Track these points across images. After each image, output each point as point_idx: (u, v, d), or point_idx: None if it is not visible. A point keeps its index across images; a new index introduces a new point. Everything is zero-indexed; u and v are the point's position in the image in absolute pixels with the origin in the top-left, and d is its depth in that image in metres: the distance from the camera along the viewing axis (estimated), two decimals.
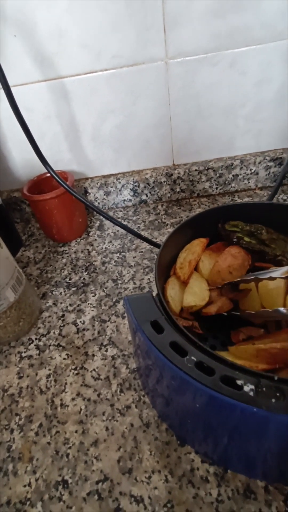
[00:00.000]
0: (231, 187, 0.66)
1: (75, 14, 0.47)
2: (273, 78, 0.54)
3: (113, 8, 0.47)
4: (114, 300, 0.48)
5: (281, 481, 0.28)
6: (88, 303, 0.48)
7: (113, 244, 0.59)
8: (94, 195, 0.66)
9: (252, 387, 0.21)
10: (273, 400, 0.20)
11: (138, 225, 0.62)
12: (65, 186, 0.44)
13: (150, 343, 0.24)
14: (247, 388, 0.21)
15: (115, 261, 0.55)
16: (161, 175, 0.63)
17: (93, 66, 0.52)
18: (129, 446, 0.33)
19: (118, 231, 0.62)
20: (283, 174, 0.51)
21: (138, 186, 0.64)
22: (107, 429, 0.34)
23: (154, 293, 0.31)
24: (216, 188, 0.66)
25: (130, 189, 0.65)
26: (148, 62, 0.52)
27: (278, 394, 0.20)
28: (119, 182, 0.64)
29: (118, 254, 0.56)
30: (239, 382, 0.21)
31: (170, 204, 0.67)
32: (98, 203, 0.67)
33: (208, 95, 0.56)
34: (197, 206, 0.65)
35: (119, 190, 0.65)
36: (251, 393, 0.20)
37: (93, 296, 0.49)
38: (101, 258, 0.56)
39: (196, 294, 0.36)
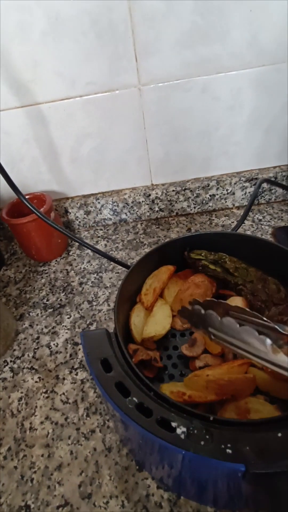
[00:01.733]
0: (209, 206, 0.67)
1: (48, 45, 0.49)
2: (245, 103, 0.56)
3: (85, 40, 0.48)
4: (88, 322, 0.50)
5: (229, 507, 0.30)
6: (63, 325, 0.50)
7: (91, 264, 0.60)
8: (75, 214, 0.67)
9: (184, 429, 0.22)
10: (202, 443, 0.22)
11: (117, 245, 0.64)
12: (38, 214, 0.46)
13: (97, 381, 0.26)
14: (179, 430, 0.22)
15: (92, 281, 0.57)
16: (139, 195, 0.65)
17: (68, 93, 0.54)
18: (91, 471, 0.34)
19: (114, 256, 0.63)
20: (252, 201, 0.53)
21: (117, 206, 0.66)
22: (71, 453, 0.36)
23: (112, 329, 0.33)
24: (194, 207, 0.68)
25: (109, 208, 0.66)
26: (121, 89, 0.53)
27: (207, 437, 0.22)
28: (99, 202, 0.65)
29: (95, 275, 0.58)
30: (173, 424, 0.23)
31: (149, 223, 0.68)
32: (79, 222, 0.69)
33: (182, 119, 0.57)
34: (175, 225, 0.66)
35: (99, 210, 0.67)
36: (182, 436, 0.22)
37: (68, 318, 0.51)
38: (79, 279, 0.58)
39: (157, 324, 0.37)
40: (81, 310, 0.52)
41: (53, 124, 0.57)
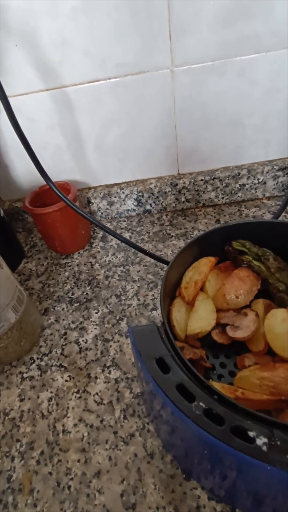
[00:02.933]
0: (238, 196, 0.64)
1: (78, 22, 0.46)
2: (282, 88, 0.52)
3: (118, 16, 0.45)
4: (117, 317, 0.47)
5: None
6: (91, 321, 0.47)
7: (117, 257, 0.58)
8: (97, 205, 0.64)
9: (265, 440, 0.19)
10: None
11: (142, 237, 0.61)
12: (67, 201, 0.43)
13: (156, 385, 0.23)
14: (260, 441, 0.19)
15: (118, 275, 0.54)
16: (166, 184, 0.62)
17: (97, 75, 0.50)
18: (133, 479, 0.32)
19: (121, 242, 0.60)
20: None
21: (142, 196, 0.63)
22: (110, 458, 0.33)
23: (159, 323, 0.30)
24: (222, 198, 0.64)
25: (134, 199, 0.63)
26: (153, 71, 0.50)
27: None
28: (123, 192, 0.62)
29: (121, 268, 0.55)
30: (251, 434, 0.20)
31: (175, 214, 0.65)
32: (102, 213, 0.66)
33: (215, 104, 0.54)
34: (203, 216, 0.63)
35: (123, 200, 0.64)
36: (264, 448, 0.19)
37: (96, 312, 0.48)
38: (104, 272, 0.55)
39: (202, 319, 0.34)
40: (109, 304, 0.49)
41: (79, 109, 0.54)
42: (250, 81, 0.52)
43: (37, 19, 0.45)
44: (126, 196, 0.63)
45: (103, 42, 0.47)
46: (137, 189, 0.62)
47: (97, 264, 0.57)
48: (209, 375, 0.33)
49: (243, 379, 0.30)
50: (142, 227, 0.63)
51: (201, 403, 0.21)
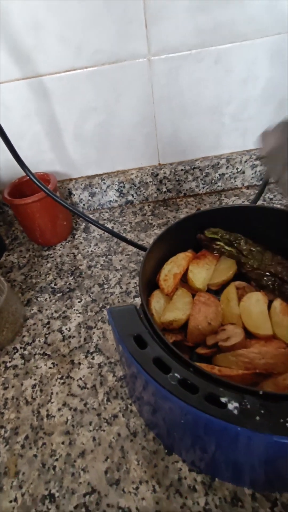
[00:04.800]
0: (218, 186, 0.65)
1: (51, 6, 0.45)
2: (259, 76, 0.54)
3: (93, 2, 0.45)
4: (100, 305, 0.47)
5: (268, 489, 0.29)
6: (74, 309, 0.47)
7: (99, 247, 0.58)
8: (79, 196, 0.64)
9: (237, 404, 0.20)
10: (258, 418, 0.20)
11: (124, 227, 0.61)
12: (46, 190, 0.43)
13: (132, 359, 0.23)
14: (231, 406, 0.20)
15: (101, 264, 0.54)
16: (147, 175, 0.62)
17: (73, 63, 0.50)
18: (116, 457, 0.32)
19: (104, 233, 0.61)
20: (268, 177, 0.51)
21: (124, 187, 0.63)
22: (94, 439, 0.34)
23: (138, 305, 0.31)
24: (203, 188, 0.65)
25: (115, 189, 0.64)
26: (130, 59, 0.50)
27: (262, 412, 0.20)
28: (104, 183, 0.62)
29: (104, 258, 0.56)
30: (223, 399, 0.21)
31: (156, 204, 0.66)
32: (84, 204, 0.66)
33: (193, 93, 0.55)
34: (184, 206, 0.64)
35: (104, 191, 0.64)
36: (235, 411, 0.20)
37: (79, 301, 0.49)
38: (87, 262, 0.55)
39: (177, 309, 0.35)
40: (92, 293, 0.49)
41: (56, 98, 0.53)
42: (226, 70, 0.53)
43: (8, 0, 0.44)
44: (108, 187, 0.63)
45: (78, 26, 0.47)
46: (118, 179, 0.62)
47: (79, 254, 0.57)
48: (193, 358, 0.34)
49: (221, 357, 0.31)
50: (124, 218, 0.64)
51: (176, 374, 0.22)
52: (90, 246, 0.58)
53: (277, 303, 0.35)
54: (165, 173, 0.62)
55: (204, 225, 0.42)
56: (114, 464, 0.32)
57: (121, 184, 0.63)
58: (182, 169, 0.62)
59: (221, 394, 0.21)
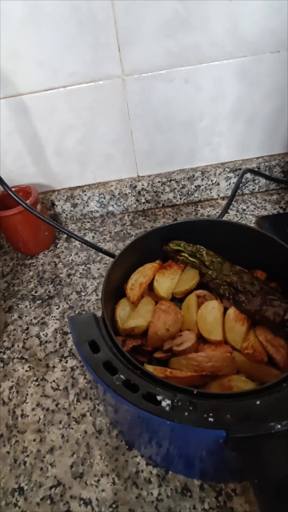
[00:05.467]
0: (195, 197, 0.69)
1: (28, 33, 0.48)
2: (227, 93, 0.57)
3: (66, 28, 0.48)
4: (76, 312, 0.50)
5: (214, 479, 0.32)
6: (52, 316, 0.50)
7: (79, 256, 0.61)
8: (62, 207, 0.67)
9: (169, 402, 0.23)
10: (186, 414, 0.23)
11: (104, 236, 0.65)
12: (24, 205, 0.46)
13: (85, 362, 0.27)
14: (164, 403, 0.23)
15: (80, 273, 0.57)
16: (126, 186, 0.65)
17: (51, 84, 0.53)
18: (82, 452, 0.35)
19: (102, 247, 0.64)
20: (235, 190, 0.54)
21: (104, 198, 0.67)
22: (62, 436, 0.37)
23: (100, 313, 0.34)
24: (180, 198, 0.69)
25: (96, 200, 0.67)
26: (105, 79, 0.54)
27: (191, 408, 0.23)
28: (85, 194, 0.66)
29: (83, 266, 0.59)
30: (158, 397, 0.24)
31: (136, 214, 0.69)
32: (66, 214, 0.69)
33: (165, 109, 0.58)
34: (162, 216, 0.67)
35: (86, 202, 0.67)
36: (167, 408, 0.23)
37: (57, 308, 0.52)
38: (67, 270, 0.58)
39: (139, 317, 0.38)
40: (69, 300, 0.53)
41: (36, 116, 0.57)
42: (196, 88, 0.56)
43: None
44: (89, 198, 0.66)
45: (54, 52, 0.50)
46: (99, 191, 0.66)
47: (60, 263, 0.60)
48: (152, 361, 0.37)
49: (174, 361, 0.34)
50: (104, 227, 0.67)
51: (121, 376, 0.25)
52: (71, 255, 0.62)
53: (231, 311, 0.38)
54: (143, 185, 0.65)
55: (172, 237, 0.46)
56: (80, 459, 0.35)
57: (102, 196, 0.66)
58: (159, 181, 0.65)
59: (157, 393, 0.24)
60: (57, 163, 0.63)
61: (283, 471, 0.19)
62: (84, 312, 0.50)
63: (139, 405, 0.23)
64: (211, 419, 0.22)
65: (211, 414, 0.22)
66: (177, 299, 0.43)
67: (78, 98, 0.55)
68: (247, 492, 0.31)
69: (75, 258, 0.61)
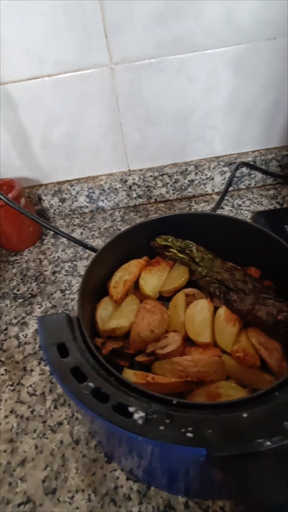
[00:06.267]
0: (188, 192, 0.66)
1: (14, 20, 0.46)
2: (221, 86, 0.54)
3: (52, 14, 0.46)
4: (59, 311, 0.47)
5: (201, 496, 0.29)
6: (33, 316, 0.47)
7: (66, 253, 0.58)
8: (49, 202, 0.64)
9: (142, 414, 0.20)
10: (161, 428, 0.20)
11: (93, 232, 0.62)
12: (4, 198, 0.43)
13: (51, 367, 0.24)
14: (137, 415, 0.20)
15: (65, 270, 0.55)
16: (116, 181, 0.63)
17: (37, 72, 0.51)
18: (56, 465, 0.32)
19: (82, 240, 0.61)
20: (228, 184, 0.51)
21: (94, 193, 0.64)
22: (36, 447, 0.34)
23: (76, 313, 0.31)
24: (173, 193, 0.66)
25: (85, 195, 0.64)
26: (92, 68, 0.51)
27: (167, 421, 0.20)
28: (73, 189, 0.63)
29: (69, 263, 0.56)
30: (131, 409, 0.21)
31: (127, 210, 0.66)
32: (54, 210, 0.66)
33: (157, 101, 0.55)
34: (154, 211, 0.65)
35: (74, 197, 0.64)
36: (140, 421, 0.20)
37: (39, 307, 0.49)
38: (52, 268, 0.55)
39: (122, 317, 0.35)
40: (53, 299, 0.50)
41: (22, 107, 0.54)
42: (189, 79, 0.53)
43: None
44: (77, 192, 0.64)
45: (40, 40, 0.48)
46: (88, 185, 0.63)
47: (46, 260, 0.57)
48: (135, 364, 0.34)
49: (157, 365, 0.31)
50: (94, 223, 0.64)
51: (90, 383, 0.22)
52: (58, 251, 0.59)
53: (222, 311, 0.35)
54: (134, 179, 0.62)
55: (160, 232, 0.43)
56: (53, 472, 0.32)
57: (91, 190, 0.63)
58: (151, 175, 0.62)
59: (130, 404, 0.21)
60: (44, 156, 0.60)
61: (270, 499, 0.16)
62: (68, 312, 0.47)
63: (107, 418, 0.20)
64: (190, 435, 0.19)
65: (190, 429, 0.19)
66: (165, 298, 0.40)
67: (66, 88, 0.53)
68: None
69: (61, 255, 0.58)
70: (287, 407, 0.20)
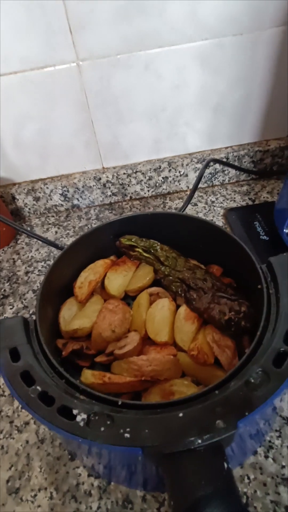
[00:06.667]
0: (163, 189, 0.66)
1: None
2: (190, 82, 0.54)
3: (15, 14, 0.45)
4: (31, 312, 0.48)
5: (157, 489, 0.30)
6: (4, 316, 0.48)
7: (40, 252, 0.58)
8: (23, 201, 0.64)
9: (85, 416, 0.21)
10: (102, 429, 0.21)
11: (68, 231, 0.62)
12: None
13: (1, 371, 0.24)
14: (80, 418, 0.21)
15: (38, 270, 0.55)
16: (90, 179, 0.62)
17: (2, 69, 0.50)
18: (21, 464, 0.33)
19: (46, 238, 0.61)
20: (198, 180, 0.52)
21: (68, 191, 0.64)
22: (2, 447, 0.34)
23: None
24: (148, 191, 0.66)
25: (59, 194, 0.64)
26: (59, 64, 0.50)
27: (108, 422, 0.21)
28: (47, 187, 0.63)
29: (43, 263, 0.56)
30: (74, 411, 0.21)
31: (102, 208, 0.66)
32: (29, 209, 0.66)
33: (127, 99, 0.55)
34: (128, 209, 0.65)
35: (48, 195, 0.64)
36: (82, 423, 0.21)
37: (10, 308, 0.49)
38: (25, 268, 0.55)
39: (85, 317, 0.35)
40: (25, 300, 0.50)
41: None
42: (157, 76, 0.53)
43: None
44: (51, 191, 0.63)
45: (3, 37, 0.47)
46: (61, 184, 0.63)
47: (19, 260, 0.57)
48: (95, 367, 0.35)
49: (116, 365, 0.32)
50: (69, 222, 0.64)
51: (38, 387, 0.23)
52: (31, 251, 0.59)
53: (182, 309, 0.36)
54: (107, 177, 0.62)
55: (126, 232, 0.43)
56: (18, 472, 0.33)
57: (65, 188, 0.63)
58: (124, 173, 0.62)
59: (73, 406, 0.22)
60: (16, 155, 0.60)
61: (195, 492, 0.17)
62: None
63: (50, 421, 0.21)
64: (127, 435, 0.20)
65: (128, 430, 0.20)
66: (132, 298, 0.41)
67: (34, 86, 0.52)
68: None
69: (35, 254, 0.58)
70: (221, 405, 0.20)
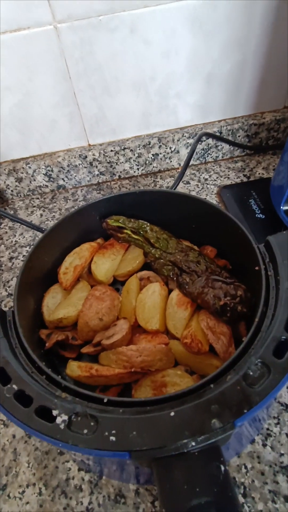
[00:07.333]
0: (153, 167, 0.62)
1: None
2: (181, 48, 0.50)
3: None
4: None
5: (150, 482, 0.28)
6: None
7: (24, 237, 0.55)
8: (5, 182, 0.60)
9: (65, 418, 0.19)
10: (85, 431, 0.19)
11: (54, 214, 0.59)
12: None
13: None
14: (60, 419, 0.19)
15: (23, 255, 0.52)
16: (75, 157, 0.58)
17: None
18: (8, 460, 0.31)
19: (31, 221, 0.57)
20: (189, 156, 0.48)
21: (52, 171, 0.60)
22: None
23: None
24: (138, 169, 0.62)
25: (43, 174, 0.60)
26: (34, 27, 0.45)
27: (92, 424, 0.19)
28: (29, 167, 0.59)
29: (27, 248, 0.53)
30: (54, 412, 0.19)
31: (90, 188, 0.63)
32: (12, 190, 0.62)
33: (112, 67, 0.50)
34: (118, 189, 0.61)
35: (32, 176, 0.60)
36: (62, 425, 0.19)
37: None
38: (9, 254, 0.52)
39: (70, 305, 0.33)
40: (9, 287, 0.47)
41: None
42: (144, 41, 0.49)
43: None
44: (34, 171, 0.59)
45: None
46: (45, 163, 0.59)
47: (2, 245, 0.54)
48: (82, 358, 0.33)
49: (103, 356, 0.29)
50: (55, 204, 0.61)
51: (14, 386, 0.21)
52: (15, 236, 0.55)
53: (174, 294, 0.33)
54: (94, 154, 0.59)
55: (112, 213, 0.40)
56: (4, 468, 0.31)
57: (49, 168, 0.59)
58: (112, 150, 0.58)
59: (53, 407, 0.20)
60: None
61: (188, 502, 0.15)
62: None
63: (27, 423, 0.19)
64: (112, 438, 0.18)
65: (113, 432, 0.18)
66: (121, 283, 0.38)
67: (8, 52, 0.47)
68: None
69: (19, 239, 0.55)
70: (217, 402, 0.18)
